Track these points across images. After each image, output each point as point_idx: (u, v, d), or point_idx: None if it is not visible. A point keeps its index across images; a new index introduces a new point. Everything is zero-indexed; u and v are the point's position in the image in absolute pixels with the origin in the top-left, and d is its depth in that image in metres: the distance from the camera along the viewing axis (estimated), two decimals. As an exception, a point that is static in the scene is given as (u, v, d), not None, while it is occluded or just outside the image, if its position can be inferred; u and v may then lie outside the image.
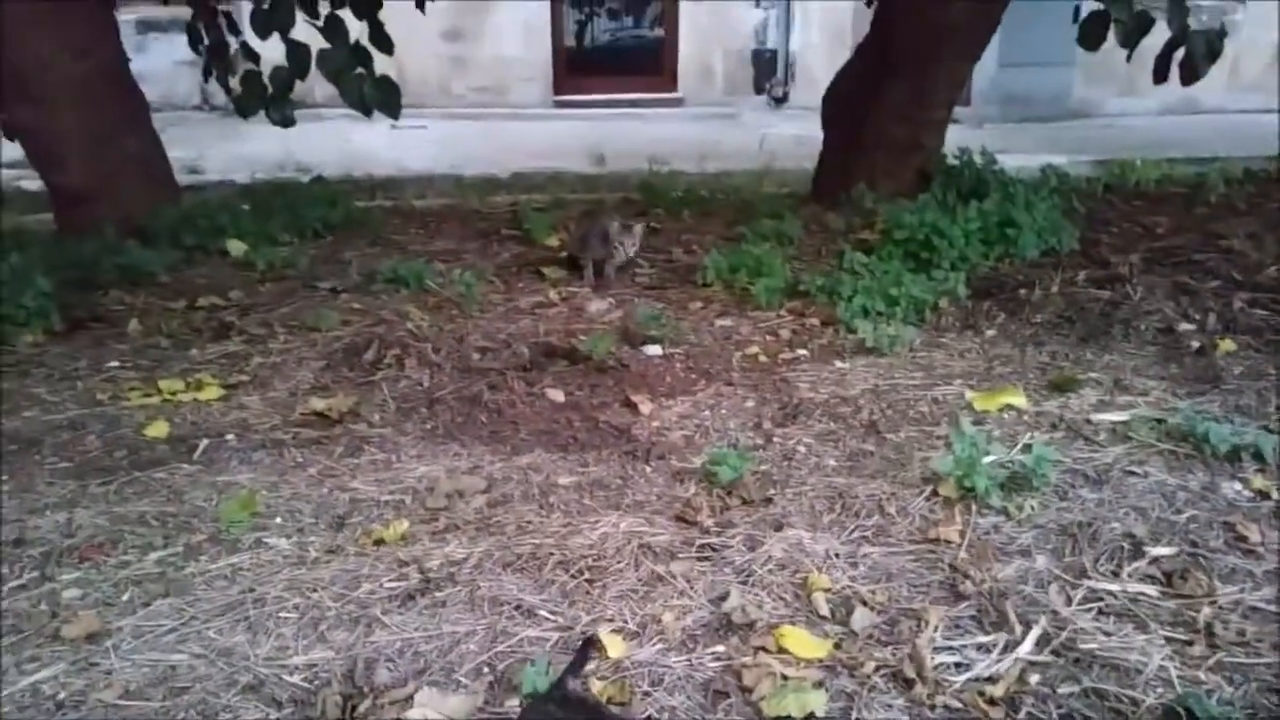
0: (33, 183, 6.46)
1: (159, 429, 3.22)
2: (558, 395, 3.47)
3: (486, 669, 2.08)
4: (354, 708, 1.94)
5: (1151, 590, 2.29)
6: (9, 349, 3.97)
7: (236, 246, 5.24)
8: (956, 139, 6.41)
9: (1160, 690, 1.95)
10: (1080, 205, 5.61)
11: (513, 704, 1.96)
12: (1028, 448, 2.86)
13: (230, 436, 3.19)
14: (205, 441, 3.14)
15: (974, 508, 2.63)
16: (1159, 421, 3.09)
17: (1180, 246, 4.97)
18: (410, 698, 1.96)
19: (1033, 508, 2.62)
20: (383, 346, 3.83)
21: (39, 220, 6.18)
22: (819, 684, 2.00)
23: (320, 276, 4.89)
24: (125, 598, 2.33)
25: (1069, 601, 2.25)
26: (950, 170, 5.95)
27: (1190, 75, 4.80)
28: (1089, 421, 3.15)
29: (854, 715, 1.91)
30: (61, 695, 2.00)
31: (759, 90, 13.00)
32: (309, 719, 1.92)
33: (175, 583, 2.39)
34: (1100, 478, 2.79)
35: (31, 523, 2.66)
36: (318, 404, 3.37)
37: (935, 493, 2.71)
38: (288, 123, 5.51)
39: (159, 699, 1.99)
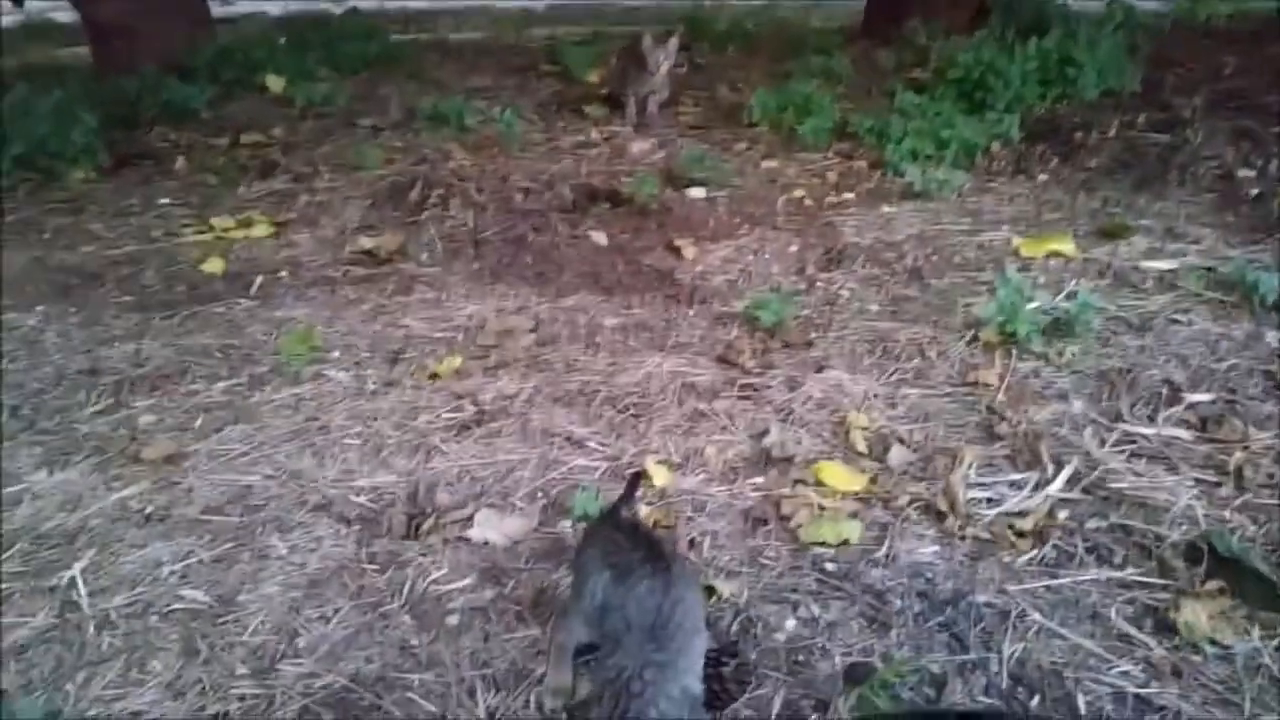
0: (64, 15, 6.37)
1: (215, 265, 3.30)
2: (601, 238, 3.49)
3: (540, 494, 2.20)
4: (418, 526, 2.08)
5: (1185, 435, 2.34)
6: (60, 186, 4.04)
7: (275, 82, 5.20)
8: (1018, -31, 6.07)
9: (1185, 527, 2.03)
10: (1145, 43, 5.35)
11: (565, 526, 2.09)
12: (1072, 295, 2.87)
13: (283, 273, 3.27)
14: (260, 278, 3.22)
15: (1014, 353, 2.66)
16: (1208, 270, 3.06)
17: (1246, 89, 4.75)
18: (470, 518, 2.10)
19: (1073, 354, 2.64)
20: (426, 186, 3.84)
21: (74, 54, 6.15)
22: (854, 515, 2.10)
23: (360, 114, 4.86)
24: (197, 424, 2.47)
25: (1102, 444, 2.31)
26: (1009, 4, 5.68)
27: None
28: (1137, 269, 3.12)
29: (887, 543, 2.01)
30: (148, 509, 2.16)
31: (809, -86, 12.26)
32: (376, 536, 2.07)
33: (243, 411, 2.52)
34: (1144, 325, 2.80)
35: (102, 353, 2.79)
36: (366, 242, 3.42)
37: (976, 338, 2.74)
38: (320, -50, 5.34)
39: (237, 515, 2.14)
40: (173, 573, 1.98)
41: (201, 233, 3.57)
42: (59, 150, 4.07)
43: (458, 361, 2.69)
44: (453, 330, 2.89)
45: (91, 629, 1.84)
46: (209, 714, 1.66)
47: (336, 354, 2.77)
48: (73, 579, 1.96)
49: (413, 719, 1.65)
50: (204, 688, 1.71)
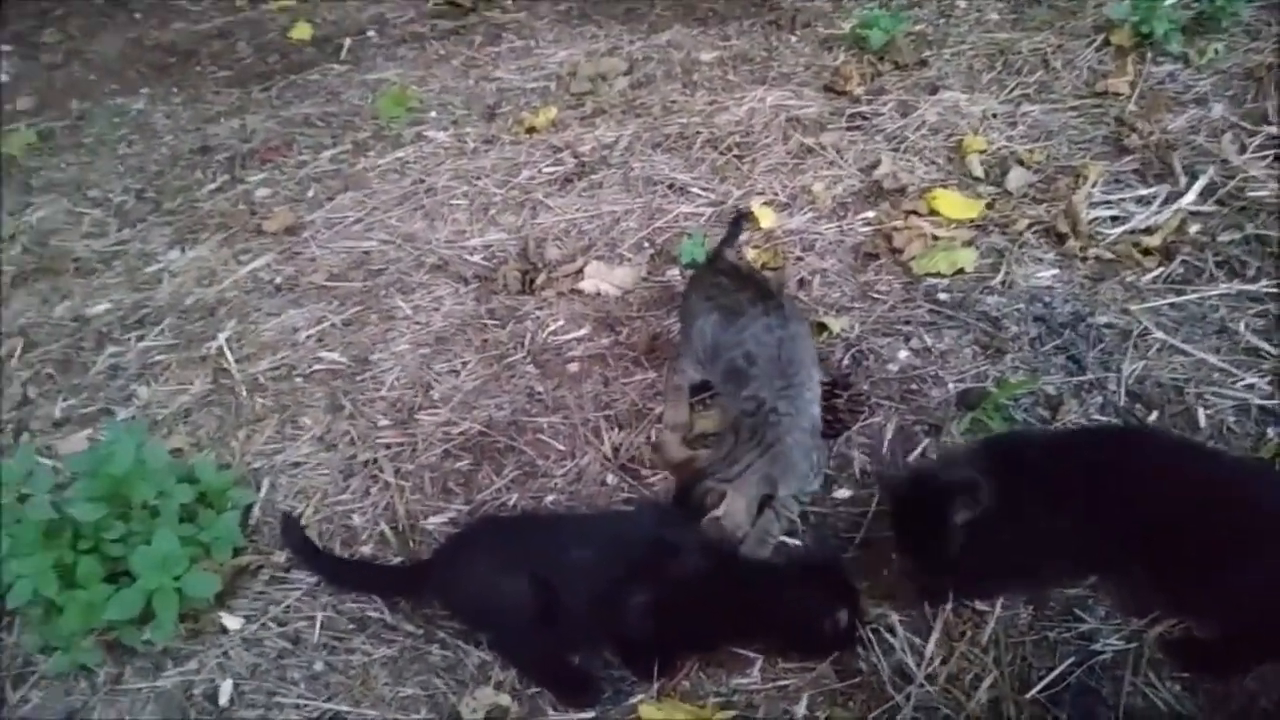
0: None
1: (303, 31, 3.26)
2: (692, -38, 3.26)
3: (646, 244, 2.21)
4: (532, 281, 2.13)
5: (1340, 131, 2.15)
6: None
7: None
8: None
9: (1330, 234, 1.91)
10: None
11: (673, 273, 2.11)
12: (1221, -18, 2.56)
13: (370, 33, 3.21)
14: (348, 40, 3.17)
15: (1149, 56, 2.44)
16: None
17: None
18: (580, 271, 2.13)
19: (1216, 51, 2.40)
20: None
21: None
22: (969, 243, 2.04)
23: None
24: (310, 194, 2.53)
25: (1243, 150, 2.14)
26: None
27: None
28: (1300, -55, 2.75)
29: (1004, 270, 1.97)
30: (278, 280, 2.27)
31: None
32: (494, 292, 2.13)
33: (351, 178, 2.56)
34: (1302, 11, 2.50)
35: (210, 130, 2.84)
36: (448, -8, 3.30)
37: (1107, 42, 2.51)
38: None
39: (360, 280, 2.24)
40: (309, 337, 2.11)
41: (285, -2, 3.50)
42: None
43: (553, 112, 2.64)
44: (545, 79, 2.81)
45: (244, 392, 2.00)
46: (360, 461, 1.82)
47: (434, 113, 2.75)
48: (220, 348, 2.11)
49: (545, 457, 1.77)
50: (352, 438, 1.86)
